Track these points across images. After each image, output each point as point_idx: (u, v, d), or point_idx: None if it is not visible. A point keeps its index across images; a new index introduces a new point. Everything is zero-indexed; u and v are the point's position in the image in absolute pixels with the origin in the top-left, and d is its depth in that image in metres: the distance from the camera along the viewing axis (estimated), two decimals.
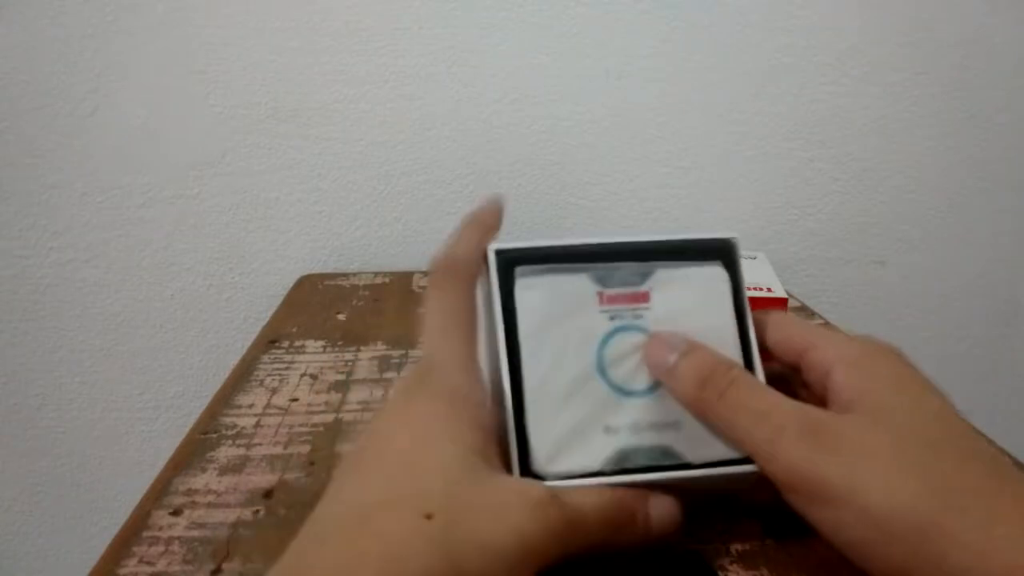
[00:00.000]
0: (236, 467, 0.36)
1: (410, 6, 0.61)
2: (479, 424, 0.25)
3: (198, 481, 0.35)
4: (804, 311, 0.60)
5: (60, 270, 0.65)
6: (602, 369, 0.28)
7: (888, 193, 0.69)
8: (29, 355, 0.67)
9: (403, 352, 0.49)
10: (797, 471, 0.24)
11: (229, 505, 0.33)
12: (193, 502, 0.34)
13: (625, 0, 0.61)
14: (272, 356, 0.49)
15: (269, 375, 0.46)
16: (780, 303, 0.46)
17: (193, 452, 0.38)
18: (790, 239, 0.70)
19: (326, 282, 0.63)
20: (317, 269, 0.67)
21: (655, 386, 0.28)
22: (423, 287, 0.61)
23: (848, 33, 0.64)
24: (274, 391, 0.44)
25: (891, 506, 0.22)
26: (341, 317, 0.56)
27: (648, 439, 0.27)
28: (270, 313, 0.58)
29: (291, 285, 0.64)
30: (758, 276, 0.49)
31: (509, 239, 0.29)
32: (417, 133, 0.64)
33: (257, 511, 0.33)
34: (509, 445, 0.26)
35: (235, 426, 0.40)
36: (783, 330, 0.30)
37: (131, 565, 0.30)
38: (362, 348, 0.50)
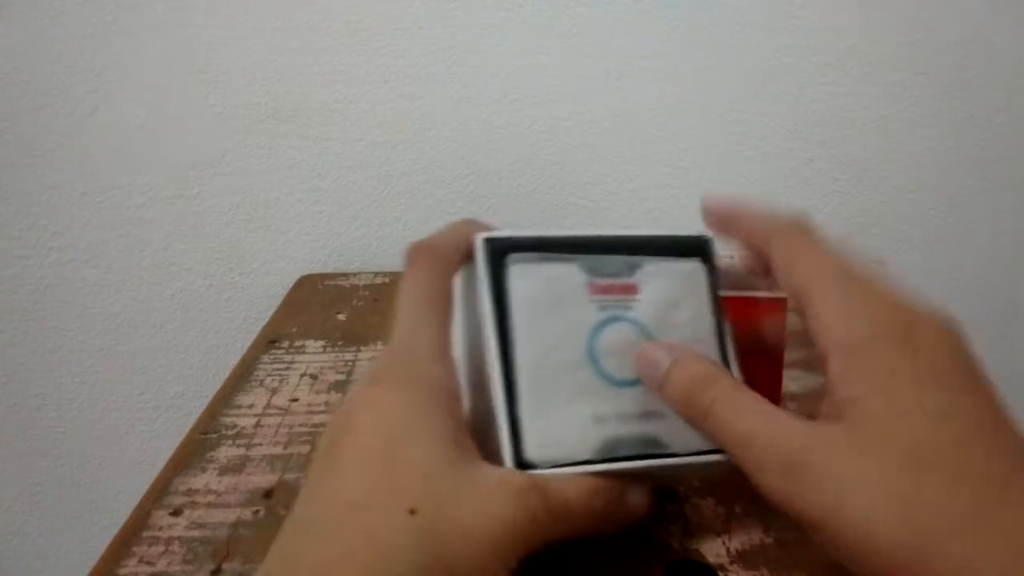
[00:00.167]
0: (236, 467, 0.36)
1: (410, 6, 0.61)
2: (453, 414, 0.25)
3: (198, 481, 0.35)
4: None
5: (60, 270, 0.65)
6: (593, 358, 0.28)
7: (888, 193, 0.69)
8: (29, 355, 0.67)
9: None
10: (779, 502, 0.24)
11: (229, 505, 0.33)
12: (193, 502, 0.34)
13: (625, 0, 0.61)
14: (272, 356, 0.49)
15: (269, 375, 0.46)
16: (780, 303, 0.46)
17: (193, 452, 0.38)
18: None
19: (326, 282, 0.63)
20: (317, 269, 0.67)
21: None
22: None
23: (848, 33, 0.63)
24: (274, 391, 0.44)
25: (871, 543, 0.22)
26: (341, 317, 0.56)
27: (635, 428, 0.28)
28: (270, 313, 0.58)
29: (291, 285, 0.64)
30: None
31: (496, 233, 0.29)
32: (417, 133, 0.64)
33: (257, 511, 0.33)
34: (499, 433, 0.26)
35: (235, 426, 0.40)
36: (791, 263, 0.29)
37: (131, 565, 0.30)
38: (362, 348, 0.50)
